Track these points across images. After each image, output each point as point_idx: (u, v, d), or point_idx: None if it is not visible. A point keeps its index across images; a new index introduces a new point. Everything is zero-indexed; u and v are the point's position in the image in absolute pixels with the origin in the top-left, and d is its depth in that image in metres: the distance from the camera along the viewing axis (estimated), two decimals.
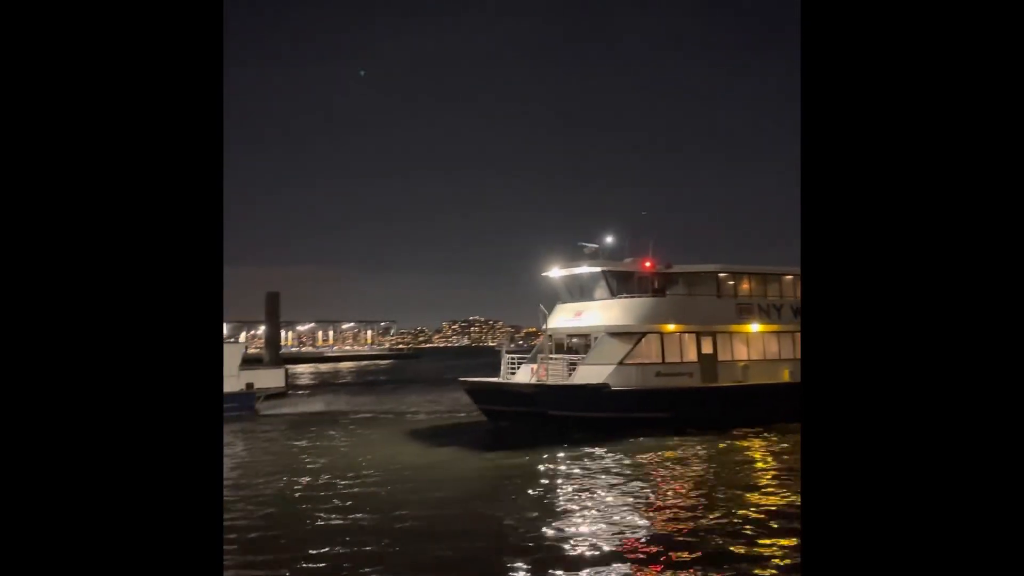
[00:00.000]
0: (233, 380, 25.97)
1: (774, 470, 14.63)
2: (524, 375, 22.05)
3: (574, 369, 20.60)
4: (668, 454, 16.32)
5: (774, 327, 23.07)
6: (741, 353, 22.46)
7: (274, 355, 36.82)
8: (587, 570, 8.32)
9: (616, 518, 10.71)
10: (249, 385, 26.76)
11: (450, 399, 28.32)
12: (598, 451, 16.65)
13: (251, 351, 45.57)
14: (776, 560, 8.55)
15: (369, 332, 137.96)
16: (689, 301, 22.44)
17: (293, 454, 17.37)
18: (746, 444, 17.82)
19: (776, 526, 9.98)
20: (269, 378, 28.55)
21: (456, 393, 23.30)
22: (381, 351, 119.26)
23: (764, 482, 13.42)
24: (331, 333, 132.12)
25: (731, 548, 9.09)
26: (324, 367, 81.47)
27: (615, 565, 8.49)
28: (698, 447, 17.13)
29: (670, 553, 8.89)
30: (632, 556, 8.82)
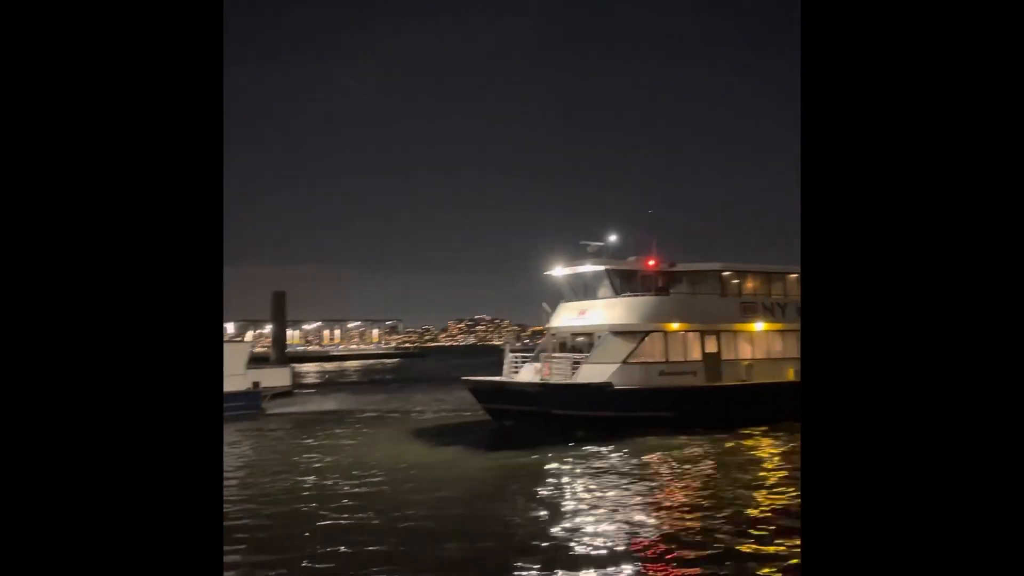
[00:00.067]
0: (240, 379, 26.07)
1: (779, 469, 14.64)
2: (527, 374, 22.10)
3: (577, 368, 20.60)
4: (672, 453, 16.32)
5: (778, 326, 23.05)
6: (745, 352, 22.44)
7: (280, 354, 37.04)
8: (593, 570, 8.34)
9: (622, 517, 10.73)
10: (255, 384, 26.89)
11: (456, 398, 28.39)
12: (602, 450, 16.66)
13: (258, 350, 45.89)
14: (782, 560, 8.55)
15: (375, 331, 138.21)
16: (693, 300, 22.43)
17: (299, 453, 17.44)
18: (751, 443, 17.81)
19: (782, 525, 9.97)
20: (275, 377, 28.68)
21: (462, 392, 23.38)
22: (387, 350, 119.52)
23: (769, 481, 13.42)
24: (337, 332, 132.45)
25: (737, 547, 9.09)
26: (330, 366, 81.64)
27: (621, 564, 8.50)
28: (702, 446, 17.12)
29: (676, 552, 8.90)
30: (638, 555, 8.83)
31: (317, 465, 15.66)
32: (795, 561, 8.39)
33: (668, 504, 11.64)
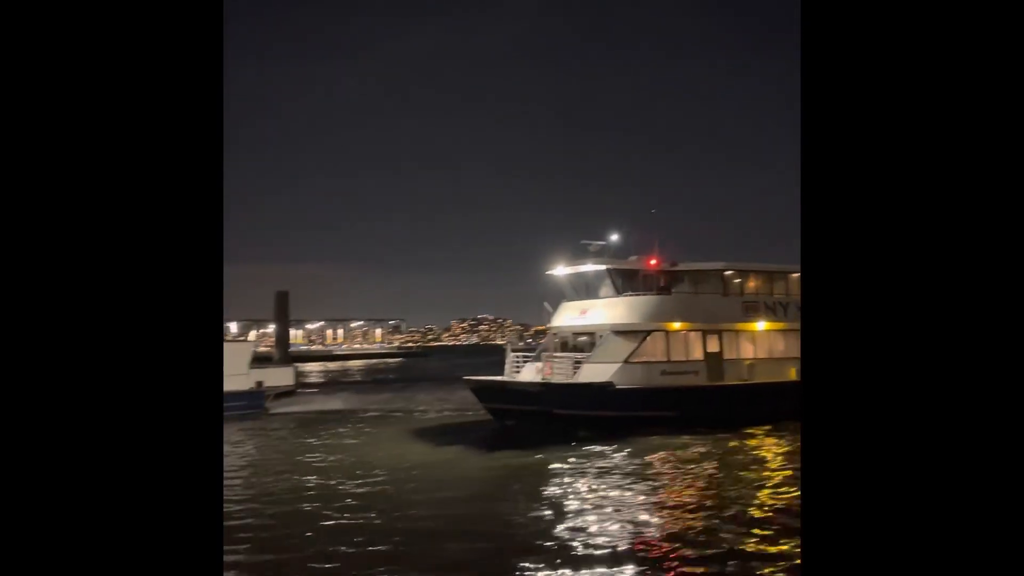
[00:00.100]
0: (243, 378, 26.14)
1: (781, 469, 14.63)
2: (529, 373, 22.12)
3: (579, 367, 20.60)
4: (675, 453, 16.33)
5: (780, 325, 23.04)
6: (747, 351, 22.43)
7: (284, 353, 37.11)
8: (596, 569, 8.34)
9: (624, 517, 10.73)
10: (259, 383, 26.96)
11: (459, 397, 28.41)
12: (604, 450, 16.67)
13: (261, 350, 45.97)
14: (786, 559, 8.55)
15: (378, 330, 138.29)
16: (695, 299, 22.43)
17: (302, 452, 17.47)
18: (753, 443, 17.80)
19: (785, 525, 9.97)
20: (279, 376, 28.74)
21: (464, 392, 23.42)
22: (390, 349, 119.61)
23: (772, 481, 13.41)
24: (340, 332, 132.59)
25: (740, 547, 9.10)
26: (333, 365, 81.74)
27: (624, 564, 8.50)
28: (704, 446, 17.12)
29: (679, 552, 8.91)
30: (641, 555, 8.84)
31: (320, 464, 15.70)
32: (799, 561, 8.41)
33: (670, 504, 11.64)
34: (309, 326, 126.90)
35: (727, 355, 21.89)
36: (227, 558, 8.57)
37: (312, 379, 50.63)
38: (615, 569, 8.36)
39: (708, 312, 22.05)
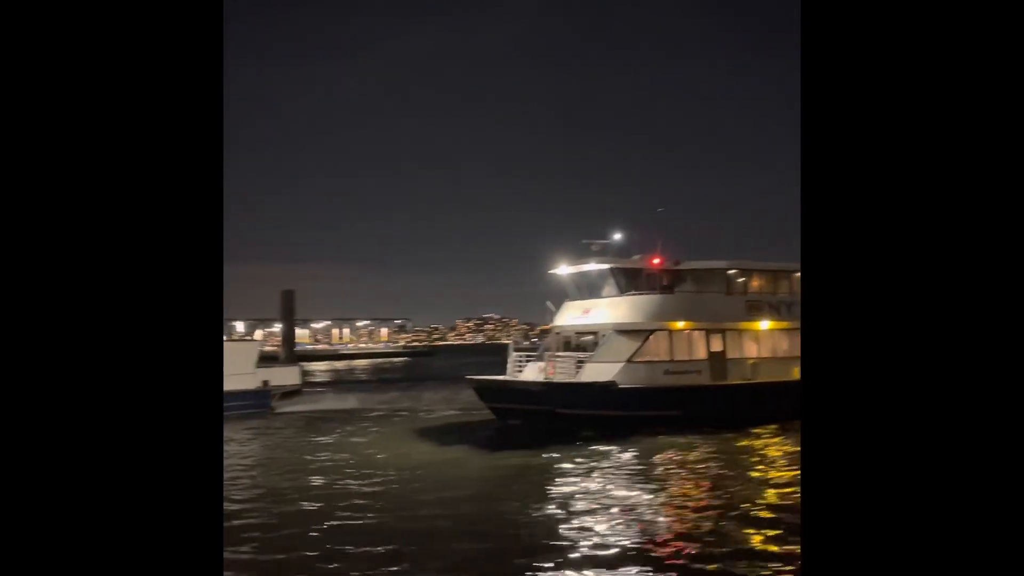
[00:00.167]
0: (249, 377, 26.26)
1: (785, 468, 14.62)
2: (531, 373, 22.16)
3: (582, 367, 20.61)
4: (678, 452, 16.33)
5: (784, 324, 23.03)
6: (751, 351, 22.43)
7: (290, 353, 37.13)
8: (601, 569, 8.35)
9: (629, 516, 10.75)
10: (265, 383, 27.09)
11: (464, 397, 28.43)
12: (608, 449, 16.69)
13: (267, 349, 46.06)
14: (791, 559, 8.55)
15: (384, 330, 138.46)
16: (698, 298, 22.43)
17: (308, 451, 17.52)
18: (758, 443, 17.79)
19: (790, 524, 9.97)
20: (285, 376, 28.83)
21: (470, 391, 23.50)
22: (396, 348, 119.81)
23: (777, 480, 13.40)
24: (346, 331, 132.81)
25: (745, 546, 9.11)
26: (339, 364, 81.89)
27: (629, 563, 8.51)
28: (708, 445, 17.11)
29: (685, 551, 8.92)
30: (646, 554, 8.84)
31: (326, 464, 15.74)
32: (800, 561, 8.43)
33: (676, 503, 11.65)
34: (315, 325, 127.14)
35: (731, 354, 21.88)
36: (232, 557, 8.63)
37: (318, 378, 50.75)
38: (621, 569, 8.35)
39: (711, 311, 22.04)
